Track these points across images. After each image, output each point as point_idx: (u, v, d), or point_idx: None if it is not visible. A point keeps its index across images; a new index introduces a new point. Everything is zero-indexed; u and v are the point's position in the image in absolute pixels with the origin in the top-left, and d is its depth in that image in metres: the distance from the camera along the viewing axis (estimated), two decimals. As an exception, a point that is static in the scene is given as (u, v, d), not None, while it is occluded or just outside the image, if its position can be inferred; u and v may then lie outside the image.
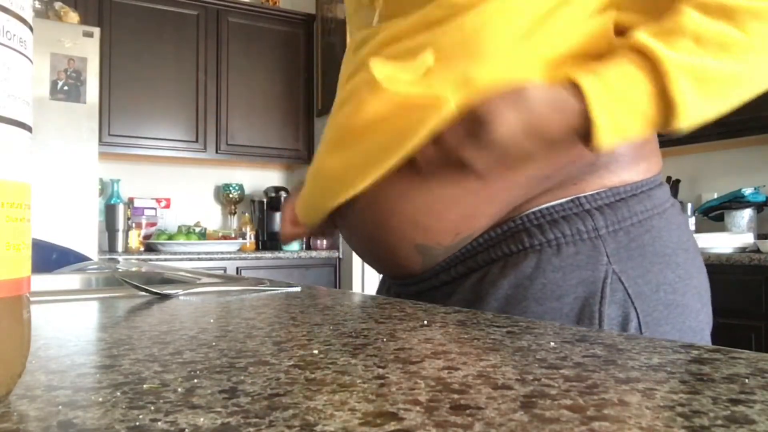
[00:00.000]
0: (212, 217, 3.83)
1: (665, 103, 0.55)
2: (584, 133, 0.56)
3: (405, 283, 0.73)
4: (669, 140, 3.26)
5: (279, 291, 0.70)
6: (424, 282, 0.70)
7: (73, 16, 2.89)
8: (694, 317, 0.64)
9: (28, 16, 0.26)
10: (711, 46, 0.55)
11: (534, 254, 0.62)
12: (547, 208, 0.63)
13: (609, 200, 0.63)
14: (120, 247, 3.24)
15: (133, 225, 3.39)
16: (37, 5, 2.86)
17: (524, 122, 0.55)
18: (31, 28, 0.27)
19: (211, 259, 3.15)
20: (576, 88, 0.55)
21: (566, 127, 0.56)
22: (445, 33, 0.61)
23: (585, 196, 0.63)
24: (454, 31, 0.61)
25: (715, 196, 3.22)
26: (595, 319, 0.60)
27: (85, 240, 2.73)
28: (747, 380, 0.28)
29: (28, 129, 0.26)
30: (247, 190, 3.87)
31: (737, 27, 0.55)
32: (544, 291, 0.61)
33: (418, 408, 0.24)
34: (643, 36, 0.56)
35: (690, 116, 0.55)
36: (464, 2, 0.61)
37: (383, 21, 0.68)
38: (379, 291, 0.83)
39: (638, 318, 0.60)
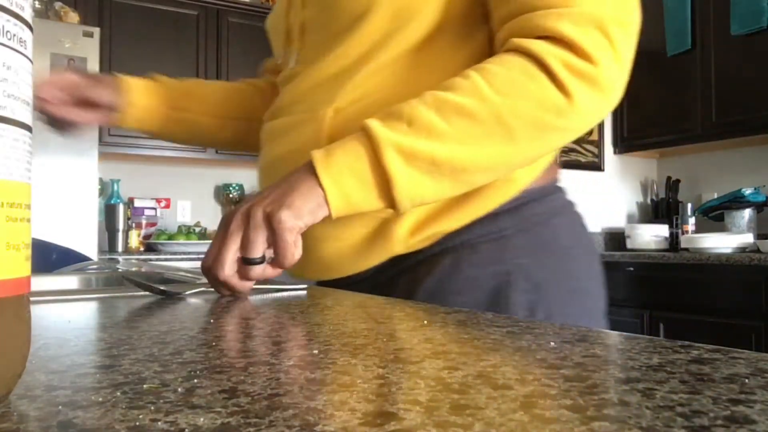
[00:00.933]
0: (212, 217, 3.83)
1: (381, 173, 0.61)
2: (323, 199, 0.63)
3: (340, 285, 0.79)
4: (669, 140, 3.26)
5: (285, 294, 0.70)
6: (360, 283, 0.77)
7: (73, 16, 2.89)
8: (594, 301, 0.76)
9: (28, 16, 0.26)
10: (422, 130, 0.61)
11: (451, 253, 0.72)
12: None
13: (514, 204, 0.72)
14: (120, 247, 3.23)
15: (133, 225, 3.39)
16: (37, 5, 2.86)
17: (274, 199, 0.62)
18: (31, 28, 0.27)
19: (211, 259, 3.15)
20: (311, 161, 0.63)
21: (307, 196, 0.62)
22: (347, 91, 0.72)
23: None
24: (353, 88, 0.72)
25: (715, 196, 3.23)
26: (506, 305, 0.69)
27: (85, 240, 2.73)
28: (747, 380, 0.28)
29: (29, 129, 0.26)
30: (247, 190, 3.87)
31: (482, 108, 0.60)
32: (462, 283, 0.71)
33: (418, 408, 0.24)
34: (370, 119, 0.63)
35: (405, 188, 0.61)
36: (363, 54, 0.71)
37: (300, 64, 0.79)
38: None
39: (544, 302, 0.70)
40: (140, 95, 0.96)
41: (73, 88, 0.92)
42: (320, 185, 0.61)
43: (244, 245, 0.62)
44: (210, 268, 0.63)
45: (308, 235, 0.73)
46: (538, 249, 0.72)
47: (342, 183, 0.61)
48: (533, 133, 0.61)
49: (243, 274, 0.63)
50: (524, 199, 0.73)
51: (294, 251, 0.62)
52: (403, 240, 0.72)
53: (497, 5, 0.66)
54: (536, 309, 0.69)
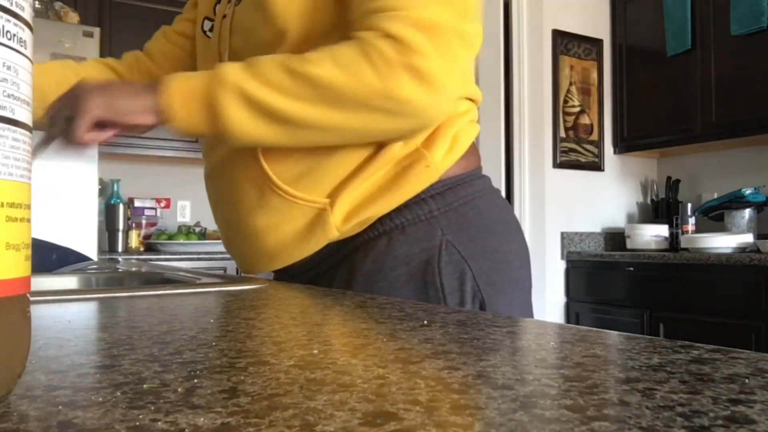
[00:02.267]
0: (212, 217, 3.83)
1: (213, 100, 0.71)
2: (161, 114, 0.73)
3: (291, 274, 0.88)
4: (669, 140, 3.26)
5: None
6: (304, 274, 0.86)
7: (73, 16, 2.89)
8: (516, 271, 0.84)
9: (28, 16, 0.26)
10: (262, 78, 0.71)
11: (385, 236, 0.80)
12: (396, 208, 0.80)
13: (439, 190, 0.81)
14: (120, 247, 3.23)
15: (133, 225, 3.39)
16: (37, 5, 2.86)
17: (106, 103, 0.73)
18: (31, 29, 0.27)
19: (211, 259, 3.15)
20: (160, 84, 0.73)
21: (142, 105, 0.73)
22: None
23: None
24: None
25: (715, 196, 3.22)
26: (436, 275, 0.77)
27: (85, 240, 2.73)
28: (747, 380, 0.28)
29: (29, 129, 0.26)
30: (247, 190, 3.87)
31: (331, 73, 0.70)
32: (396, 260, 0.79)
33: (418, 408, 0.24)
34: (230, 63, 0.73)
35: (232, 119, 0.71)
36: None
37: None
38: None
39: (472, 271, 0.78)
40: None
41: None
42: (159, 98, 0.72)
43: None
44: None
45: (251, 229, 0.84)
46: (463, 226, 0.81)
47: (180, 102, 0.71)
48: (359, 108, 0.70)
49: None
50: (449, 185, 0.81)
51: (77, 135, 0.74)
52: (337, 226, 0.80)
53: (351, 7, 0.75)
54: (465, 277, 0.78)
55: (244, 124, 0.71)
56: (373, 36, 0.69)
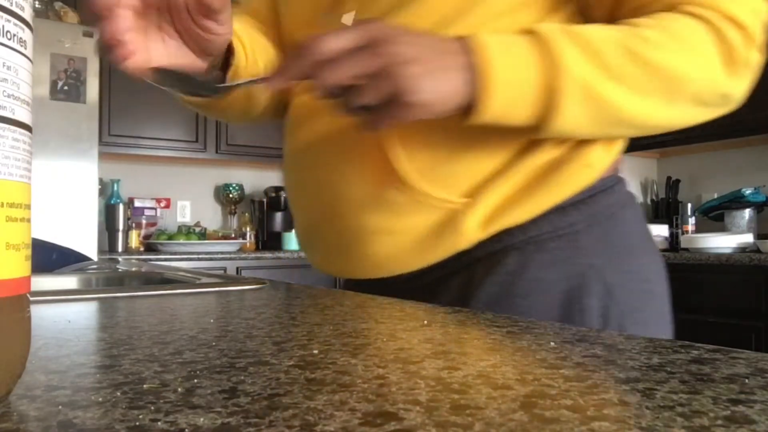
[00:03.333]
0: (212, 217, 3.83)
1: (549, 102, 0.55)
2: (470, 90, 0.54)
3: (376, 286, 0.71)
4: (669, 140, 3.26)
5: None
6: (401, 284, 0.69)
7: (73, 16, 2.89)
8: (663, 302, 0.69)
9: (28, 16, 0.26)
10: (606, 70, 0.55)
11: (516, 251, 0.64)
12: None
13: (581, 197, 0.65)
14: (120, 247, 3.23)
15: (133, 225, 3.39)
16: (37, 5, 2.86)
17: (417, 59, 0.53)
18: (31, 29, 0.27)
19: (211, 259, 3.15)
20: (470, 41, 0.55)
21: (453, 87, 0.54)
22: None
23: None
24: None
25: (715, 196, 3.22)
26: (581, 310, 0.63)
27: (85, 240, 2.73)
28: (747, 380, 0.28)
29: (29, 129, 0.26)
30: (247, 190, 3.87)
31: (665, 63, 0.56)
32: (530, 287, 0.63)
33: (418, 408, 0.24)
34: (557, 38, 0.55)
35: (564, 121, 0.56)
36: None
37: None
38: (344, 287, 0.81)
39: (618, 307, 0.63)
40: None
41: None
42: (476, 81, 0.54)
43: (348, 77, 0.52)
44: (319, 63, 0.52)
45: (356, 228, 0.67)
46: (608, 246, 0.66)
47: (509, 92, 0.54)
48: (691, 104, 0.59)
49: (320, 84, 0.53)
50: (593, 190, 0.66)
51: (385, 123, 0.54)
52: (472, 233, 0.64)
53: None
54: (609, 315, 0.63)
55: (575, 124, 0.57)
56: (720, 19, 0.57)
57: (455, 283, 0.67)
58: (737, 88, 0.60)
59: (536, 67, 0.55)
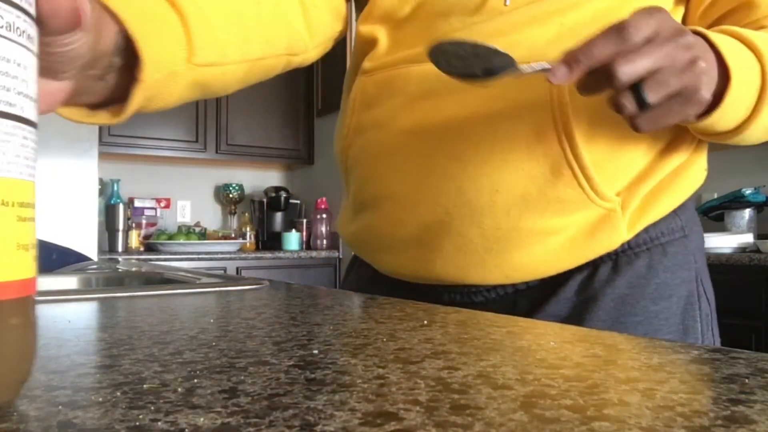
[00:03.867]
0: (212, 217, 3.83)
1: (760, 100, 0.53)
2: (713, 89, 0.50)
3: (474, 292, 0.65)
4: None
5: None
6: (505, 287, 0.64)
7: (73, 16, 2.89)
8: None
9: (35, 11, 0.26)
10: None
11: (645, 254, 0.62)
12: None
13: (687, 200, 0.65)
14: (120, 247, 3.23)
15: (133, 225, 3.39)
16: (37, 5, 2.86)
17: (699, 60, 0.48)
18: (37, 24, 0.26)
19: (211, 259, 3.15)
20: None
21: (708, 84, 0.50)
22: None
23: None
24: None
25: (715, 196, 3.22)
26: (696, 317, 0.62)
27: (85, 240, 2.73)
28: (747, 380, 0.28)
29: (35, 127, 0.26)
30: (247, 190, 3.87)
31: None
32: (658, 291, 0.62)
33: (418, 408, 0.24)
34: (754, 35, 0.54)
35: (757, 125, 0.54)
36: None
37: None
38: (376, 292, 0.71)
39: (710, 311, 0.64)
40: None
41: None
42: (719, 86, 0.50)
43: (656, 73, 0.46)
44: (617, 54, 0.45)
45: (511, 228, 0.60)
46: (701, 252, 0.67)
47: (738, 98, 0.52)
48: None
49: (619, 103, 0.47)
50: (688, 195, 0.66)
51: (662, 123, 0.50)
52: (624, 233, 0.61)
53: None
54: (710, 321, 0.64)
55: (762, 128, 0.55)
56: None
57: (574, 283, 0.62)
58: None
59: (755, 73, 0.53)
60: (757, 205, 3.00)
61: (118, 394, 0.26)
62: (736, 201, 3.02)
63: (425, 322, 0.46)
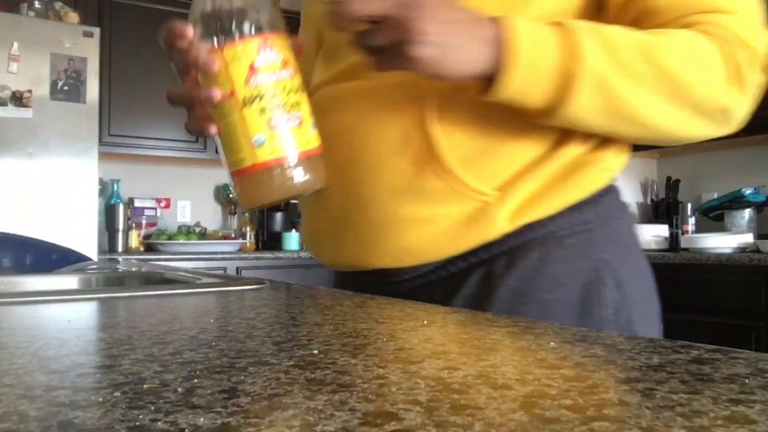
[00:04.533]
0: (212, 217, 3.83)
1: (564, 89, 0.58)
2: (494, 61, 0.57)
3: (395, 281, 0.72)
4: (669, 140, 3.26)
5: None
6: (419, 278, 0.71)
7: (73, 16, 2.89)
8: (657, 300, 0.74)
9: None
10: (622, 68, 0.59)
11: (537, 247, 0.67)
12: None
13: (595, 197, 0.70)
14: (120, 247, 3.23)
15: (133, 225, 3.39)
16: (37, 5, 2.86)
17: (444, 23, 0.56)
18: None
19: (211, 259, 3.15)
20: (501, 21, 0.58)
21: (476, 54, 0.57)
22: None
23: None
24: None
25: (715, 196, 3.22)
26: (599, 303, 0.67)
27: (85, 240, 2.73)
28: (747, 380, 0.28)
29: None
30: (247, 190, 3.86)
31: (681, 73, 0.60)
32: (552, 281, 0.67)
33: (418, 408, 0.24)
34: (581, 32, 0.59)
35: (576, 110, 0.59)
36: None
37: None
38: (338, 286, 0.82)
39: (629, 300, 0.68)
40: None
41: None
42: (498, 57, 0.57)
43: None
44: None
45: (388, 216, 0.68)
46: (617, 244, 0.71)
47: (526, 72, 0.57)
48: (695, 113, 0.63)
49: (337, 22, 0.57)
50: (604, 192, 0.71)
51: (389, 66, 0.58)
52: (500, 225, 0.67)
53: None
54: (620, 308, 0.68)
55: (584, 112, 0.60)
56: (729, 38, 0.62)
57: (475, 276, 0.69)
58: (738, 106, 0.63)
59: (558, 51, 0.58)
60: (757, 205, 2.99)
61: (118, 394, 0.26)
62: (736, 201, 3.02)
63: (425, 322, 0.46)
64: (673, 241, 3.24)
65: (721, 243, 2.82)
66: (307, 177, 0.57)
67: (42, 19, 2.80)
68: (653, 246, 3.16)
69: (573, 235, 0.68)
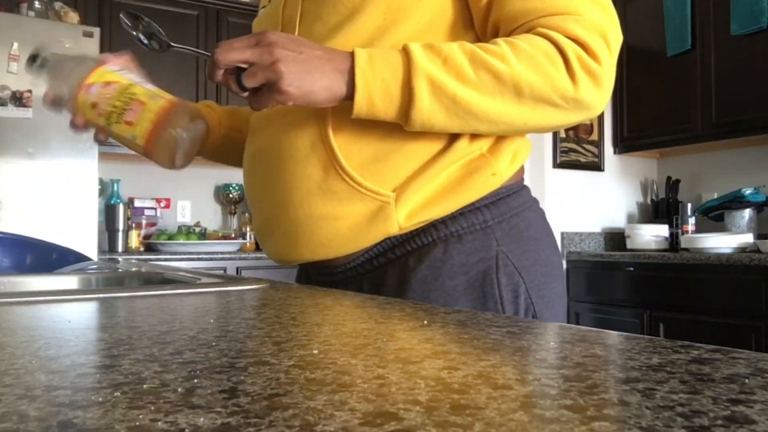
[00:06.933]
0: (212, 217, 3.83)
1: (408, 94, 0.70)
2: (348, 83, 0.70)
3: (326, 272, 0.86)
4: (669, 140, 3.26)
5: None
6: (350, 270, 0.84)
7: (73, 16, 2.89)
8: (560, 284, 0.87)
9: None
10: (452, 71, 0.70)
11: (441, 243, 0.80)
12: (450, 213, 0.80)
13: (492, 199, 0.81)
14: (120, 247, 3.23)
15: (133, 225, 3.39)
16: (37, 5, 2.86)
17: (300, 56, 0.68)
18: None
19: (211, 259, 3.15)
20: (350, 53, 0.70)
21: (329, 83, 0.70)
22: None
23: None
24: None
25: (715, 196, 3.22)
26: (495, 286, 0.78)
27: (85, 240, 2.73)
28: (747, 380, 0.28)
29: None
30: (247, 190, 3.86)
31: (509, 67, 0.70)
32: (454, 269, 0.79)
33: (418, 408, 0.24)
34: (414, 45, 0.71)
35: (423, 112, 0.70)
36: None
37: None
38: (297, 281, 0.95)
39: (525, 284, 0.80)
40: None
41: None
42: (352, 82, 0.69)
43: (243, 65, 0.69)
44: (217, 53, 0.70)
45: (304, 215, 0.80)
46: (515, 237, 0.82)
47: (372, 88, 0.70)
48: (538, 105, 0.72)
49: (212, 71, 0.70)
50: (500, 195, 0.82)
51: (264, 103, 0.70)
52: (400, 224, 0.78)
53: (504, 4, 0.75)
54: (519, 289, 0.79)
55: (431, 114, 0.71)
56: (562, 37, 0.72)
57: (393, 271, 0.81)
58: (588, 94, 0.72)
59: (398, 69, 0.70)
60: (757, 205, 2.99)
61: (118, 394, 0.26)
62: (736, 201, 3.02)
63: (425, 322, 0.46)
64: (673, 241, 3.24)
65: (721, 243, 2.82)
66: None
67: (42, 18, 2.80)
68: (653, 246, 3.16)
69: (472, 233, 0.80)
